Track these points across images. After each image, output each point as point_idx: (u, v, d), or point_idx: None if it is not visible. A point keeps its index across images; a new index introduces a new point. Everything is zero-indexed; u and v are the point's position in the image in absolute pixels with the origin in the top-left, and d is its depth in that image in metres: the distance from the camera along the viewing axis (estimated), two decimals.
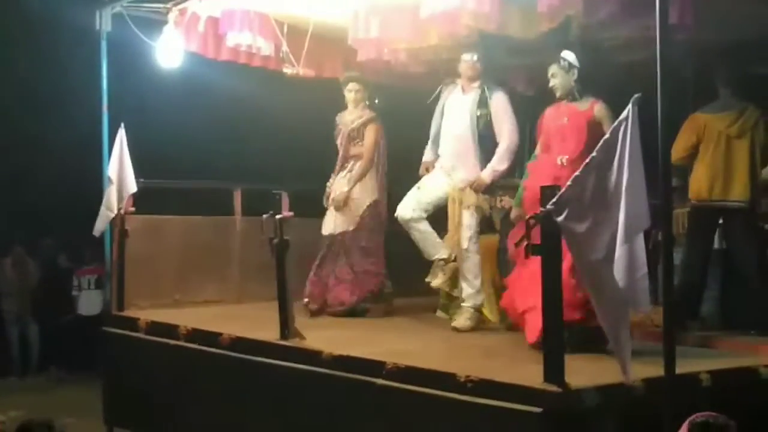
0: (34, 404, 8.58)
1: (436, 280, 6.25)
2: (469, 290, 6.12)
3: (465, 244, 6.06)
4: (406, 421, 4.45)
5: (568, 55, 5.38)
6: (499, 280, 6.45)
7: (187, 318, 6.45)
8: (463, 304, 6.15)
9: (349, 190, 6.75)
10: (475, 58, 6.07)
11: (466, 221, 6.06)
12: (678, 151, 5.90)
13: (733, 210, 5.97)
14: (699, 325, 6.00)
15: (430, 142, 6.38)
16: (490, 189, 6.12)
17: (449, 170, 6.15)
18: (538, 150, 5.62)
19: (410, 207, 6.15)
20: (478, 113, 6.05)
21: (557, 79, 5.40)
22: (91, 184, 7.55)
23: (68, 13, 8.40)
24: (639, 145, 3.75)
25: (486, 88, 6.08)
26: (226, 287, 7.61)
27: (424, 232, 6.14)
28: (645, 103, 3.82)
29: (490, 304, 6.60)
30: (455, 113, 6.16)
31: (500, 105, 6.08)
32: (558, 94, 5.45)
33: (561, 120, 5.37)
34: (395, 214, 6.20)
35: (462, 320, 6.09)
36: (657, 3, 3.95)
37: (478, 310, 6.17)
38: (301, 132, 7.43)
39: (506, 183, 7.17)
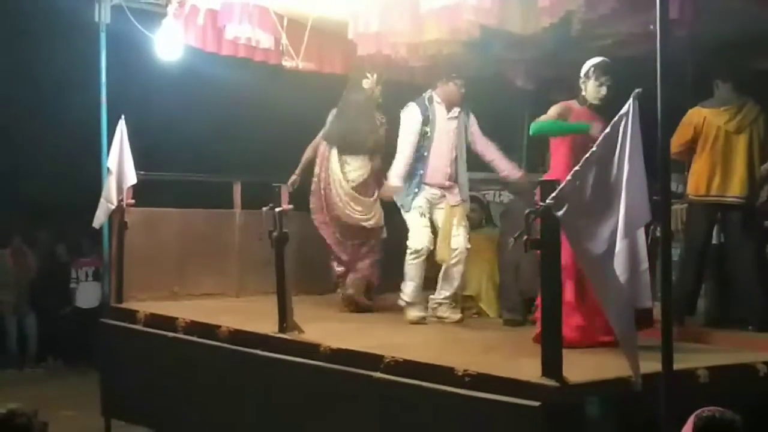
0: (31, 396, 8.57)
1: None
2: (455, 287, 6.23)
3: (467, 245, 6.18)
4: (403, 414, 4.46)
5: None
6: (497, 275, 6.47)
7: (185, 310, 6.46)
8: (446, 301, 6.23)
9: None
10: (461, 83, 6.25)
11: (463, 226, 6.21)
12: (674, 145, 5.89)
13: (731, 206, 5.97)
14: (697, 321, 6.01)
15: (402, 164, 6.27)
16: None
17: (437, 199, 6.25)
18: None
19: (429, 237, 6.20)
20: (467, 137, 6.35)
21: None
22: (89, 176, 7.55)
23: (67, 5, 8.37)
24: (639, 140, 3.75)
25: (465, 111, 6.32)
26: (225, 280, 7.61)
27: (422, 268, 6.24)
28: (645, 98, 3.82)
29: (488, 299, 6.62)
30: (446, 136, 6.26)
31: (477, 127, 6.40)
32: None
33: None
34: (416, 247, 6.18)
35: (455, 313, 6.21)
36: None
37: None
38: (301, 125, 7.43)
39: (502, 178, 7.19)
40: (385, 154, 6.73)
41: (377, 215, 6.72)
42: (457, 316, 6.21)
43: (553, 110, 5.41)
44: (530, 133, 5.40)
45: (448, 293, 6.22)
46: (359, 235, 6.75)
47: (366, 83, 6.75)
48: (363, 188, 6.72)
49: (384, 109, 6.82)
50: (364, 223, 6.70)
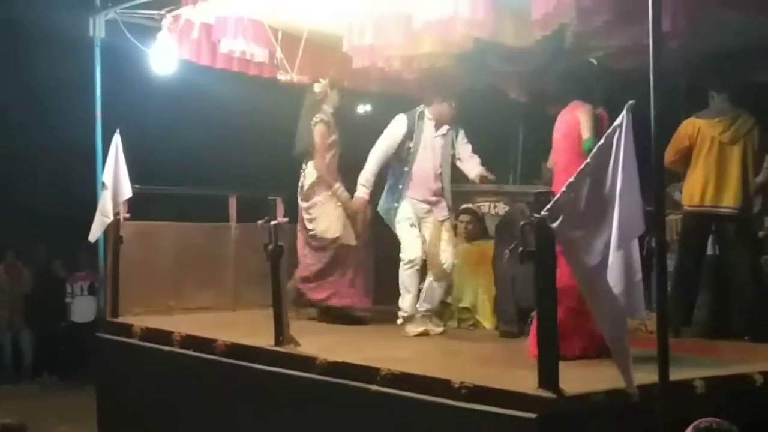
0: (26, 412, 8.55)
1: None
2: (436, 302, 6.27)
3: (454, 260, 6.25)
4: (400, 427, 4.45)
5: None
6: (493, 287, 6.47)
7: (181, 324, 6.44)
8: (428, 314, 6.23)
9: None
10: (455, 104, 6.27)
11: (452, 243, 6.26)
12: (669, 155, 5.92)
13: (725, 216, 5.99)
14: (692, 332, 6.02)
15: (369, 171, 6.25)
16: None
17: (424, 213, 6.24)
18: None
19: (421, 246, 6.19)
20: (452, 152, 6.34)
21: None
22: (84, 191, 7.53)
23: (62, 20, 8.39)
24: (633, 152, 3.77)
25: (455, 129, 6.32)
26: (220, 293, 7.60)
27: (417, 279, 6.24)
28: (638, 110, 3.83)
29: (484, 311, 6.62)
30: (431, 152, 6.25)
31: (466, 140, 6.38)
32: None
33: None
34: (409, 257, 6.13)
35: (437, 325, 6.23)
36: (650, 11, 3.97)
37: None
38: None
39: (499, 189, 7.21)
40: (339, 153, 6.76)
41: (327, 221, 6.67)
42: (440, 329, 6.22)
43: (592, 117, 5.08)
44: (586, 148, 4.93)
45: (429, 306, 6.23)
46: (323, 249, 6.73)
47: (317, 87, 6.82)
48: (311, 192, 6.73)
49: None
50: (313, 231, 6.68)
